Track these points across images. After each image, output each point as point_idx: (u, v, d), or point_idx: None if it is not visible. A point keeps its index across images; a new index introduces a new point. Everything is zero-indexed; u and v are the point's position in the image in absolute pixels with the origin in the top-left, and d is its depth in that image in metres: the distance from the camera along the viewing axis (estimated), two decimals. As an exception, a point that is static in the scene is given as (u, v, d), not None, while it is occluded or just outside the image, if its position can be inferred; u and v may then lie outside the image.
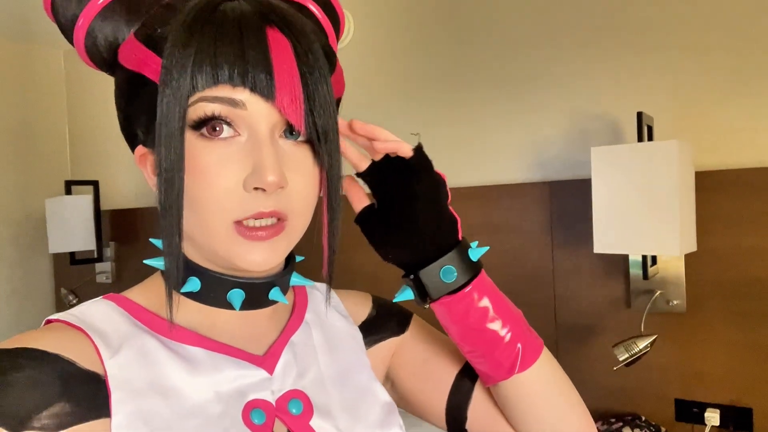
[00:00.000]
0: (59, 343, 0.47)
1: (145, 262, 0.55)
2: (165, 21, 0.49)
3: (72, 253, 2.37)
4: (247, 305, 0.55)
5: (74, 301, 2.48)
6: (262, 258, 0.49)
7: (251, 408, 0.52)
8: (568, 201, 1.43)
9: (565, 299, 1.44)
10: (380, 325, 0.69)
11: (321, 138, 0.50)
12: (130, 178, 2.51)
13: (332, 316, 0.66)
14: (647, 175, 1.13)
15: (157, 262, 0.54)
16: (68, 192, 2.37)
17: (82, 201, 2.34)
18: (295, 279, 0.60)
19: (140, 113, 0.51)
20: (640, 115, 1.20)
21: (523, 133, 1.54)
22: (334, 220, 0.54)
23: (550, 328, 1.46)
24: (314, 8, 0.56)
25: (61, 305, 2.59)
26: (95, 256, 2.42)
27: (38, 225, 2.56)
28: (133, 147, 0.55)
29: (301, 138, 0.50)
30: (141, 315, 0.53)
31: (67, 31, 0.52)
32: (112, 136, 2.56)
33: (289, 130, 0.50)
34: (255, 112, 0.47)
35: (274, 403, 0.53)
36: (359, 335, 0.67)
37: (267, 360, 0.55)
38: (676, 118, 1.33)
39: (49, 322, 0.51)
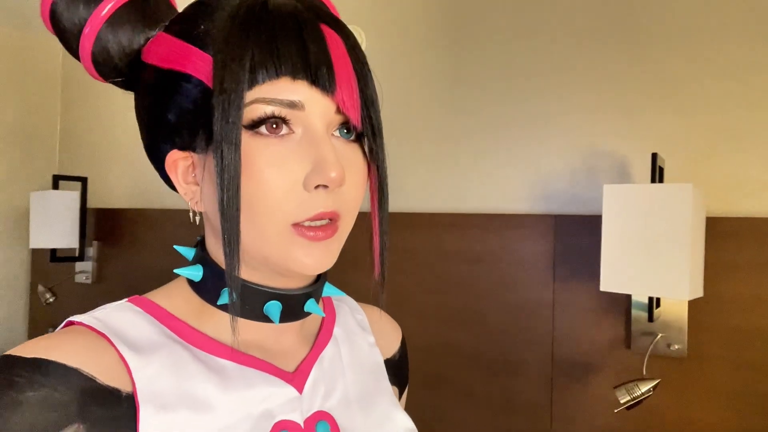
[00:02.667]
0: (81, 354, 0.44)
1: (176, 271, 0.52)
2: (206, 17, 0.46)
3: (53, 250, 2.30)
4: (283, 318, 0.53)
5: (51, 299, 2.40)
6: (317, 260, 0.47)
7: (279, 429, 0.50)
8: (573, 236, 1.42)
9: (564, 335, 1.42)
10: (394, 373, 0.68)
11: (376, 133, 0.50)
12: (121, 177, 2.45)
13: (357, 334, 0.64)
14: (660, 217, 1.12)
15: (190, 272, 0.51)
16: (55, 187, 2.31)
17: (69, 197, 2.27)
18: (328, 290, 0.58)
19: (180, 113, 0.47)
20: (654, 156, 1.20)
21: (531, 164, 1.53)
22: (384, 216, 0.54)
23: (547, 364, 1.43)
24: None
25: (37, 302, 2.51)
26: (77, 254, 2.35)
27: (21, 218, 2.49)
28: (156, 153, 0.51)
29: (351, 136, 0.50)
30: (170, 322, 0.50)
31: (71, 39, 0.49)
32: (105, 132, 2.50)
33: (342, 129, 0.49)
34: (311, 112, 0.46)
35: (302, 425, 0.51)
36: (381, 361, 0.65)
37: (297, 377, 0.53)
38: (686, 162, 1.33)
39: (70, 323, 0.48)
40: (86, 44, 0.48)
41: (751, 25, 1.27)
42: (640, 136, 1.39)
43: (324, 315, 0.61)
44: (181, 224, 2.15)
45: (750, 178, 1.26)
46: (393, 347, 0.69)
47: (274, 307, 0.52)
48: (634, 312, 1.32)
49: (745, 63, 1.28)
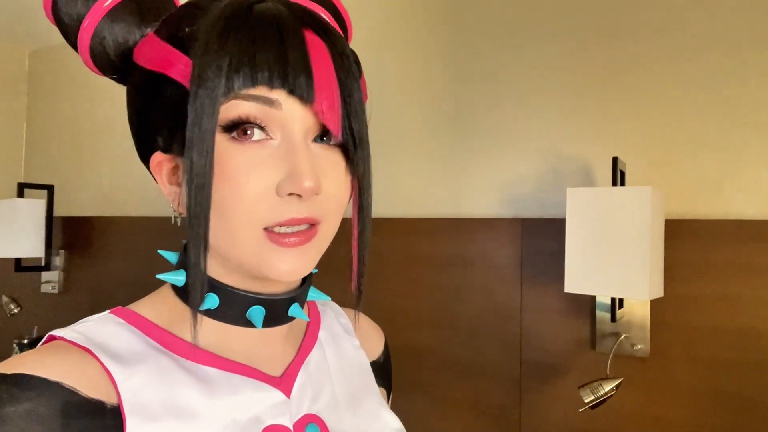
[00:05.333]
0: (61, 368, 0.43)
1: (158, 276, 0.51)
2: (192, 20, 0.46)
3: (18, 259, 2.25)
4: (266, 323, 0.52)
5: (16, 310, 2.35)
6: (292, 267, 0.47)
7: None
8: (539, 239, 1.45)
9: (531, 337, 1.45)
10: (380, 375, 0.68)
11: (357, 144, 0.49)
12: (88, 185, 2.41)
13: (342, 337, 0.65)
14: (621, 219, 1.15)
15: (172, 277, 0.51)
16: (21, 195, 2.26)
17: (35, 205, 2.23)
18: (312, 294, 0.58)
19: (162, 116, 0.47)
20: (615, 160, 1.23)
21: (498, 169, 1.56)
22: (364, 229, 0.54)
23: (515, 365, 1.46)
24: (326, 16, 0.55)
25: (1, 313, 2.45)
26: (43, 264, 2.31)
27: (-16, 227, 2.43)
28: (144, 153, 0.52)
29: (332, 142, 0.49)
30: (153, 332, 0.50)
31: (71, 32, 0.49)
32: (71, 140, 2.47)
33: (321, 135, 0.48)
34: (289, 114, 0.45)
35: (292, 428, 0.51)
36: (367, 363, 0.66)
37: (284, 381, 0.53)
38: (646, 166, 1.37)
39: (52, 338, 0.47)
40: (84, 38, 0.48)
41: (708, 36, 1.32)
42: (602, 141, 1.43)
43: (309, 320, 0.61)
44: (149, 232, 2.13)
45: (706, 182, 1.31)
46: (377, 350, 0.70)
47: (257, 312, 0.51)
48: (599, 313, 1.36)
49: (702, 71, 1.32)
